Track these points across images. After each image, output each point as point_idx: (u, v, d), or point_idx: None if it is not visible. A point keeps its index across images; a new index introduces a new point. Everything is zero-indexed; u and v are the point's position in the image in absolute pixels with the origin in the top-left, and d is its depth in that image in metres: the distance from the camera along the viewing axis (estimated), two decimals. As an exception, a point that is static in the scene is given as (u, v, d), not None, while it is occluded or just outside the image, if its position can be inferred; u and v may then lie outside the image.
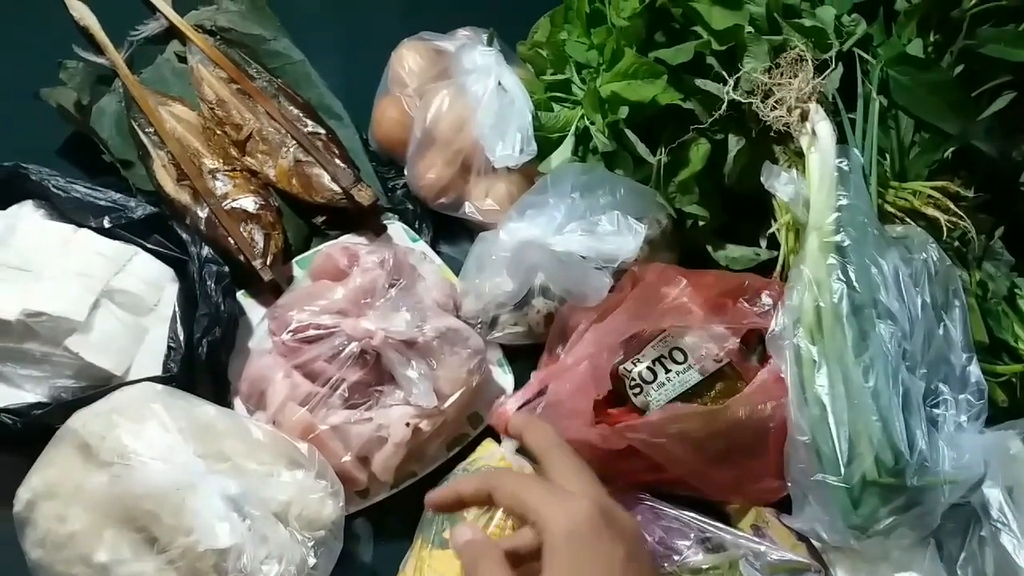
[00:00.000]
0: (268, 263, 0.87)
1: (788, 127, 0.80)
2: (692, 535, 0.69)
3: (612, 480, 0.76)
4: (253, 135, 0.97)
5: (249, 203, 0.91)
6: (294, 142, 0.95)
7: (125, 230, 0.85)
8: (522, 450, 0.74)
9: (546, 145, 0.90)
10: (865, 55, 0.83)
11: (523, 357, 0.87)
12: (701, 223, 0.87)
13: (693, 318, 0.77)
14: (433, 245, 0.94)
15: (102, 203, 0.85)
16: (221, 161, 0.94)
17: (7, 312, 0.76)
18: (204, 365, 0.80)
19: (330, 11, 1.15)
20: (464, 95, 0.92)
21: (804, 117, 0.79)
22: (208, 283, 0.82)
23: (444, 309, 0.83)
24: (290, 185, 0.94)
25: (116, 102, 1.00)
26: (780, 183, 0.78)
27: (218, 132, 0.97)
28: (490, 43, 0.97)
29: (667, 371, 0.76)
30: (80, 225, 0.84)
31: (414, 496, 0.77)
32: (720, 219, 0.89)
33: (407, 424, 0.75)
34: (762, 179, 0.79)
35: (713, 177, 0.86)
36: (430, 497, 0.58)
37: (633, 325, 0.76)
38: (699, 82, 0.83)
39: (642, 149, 0.86)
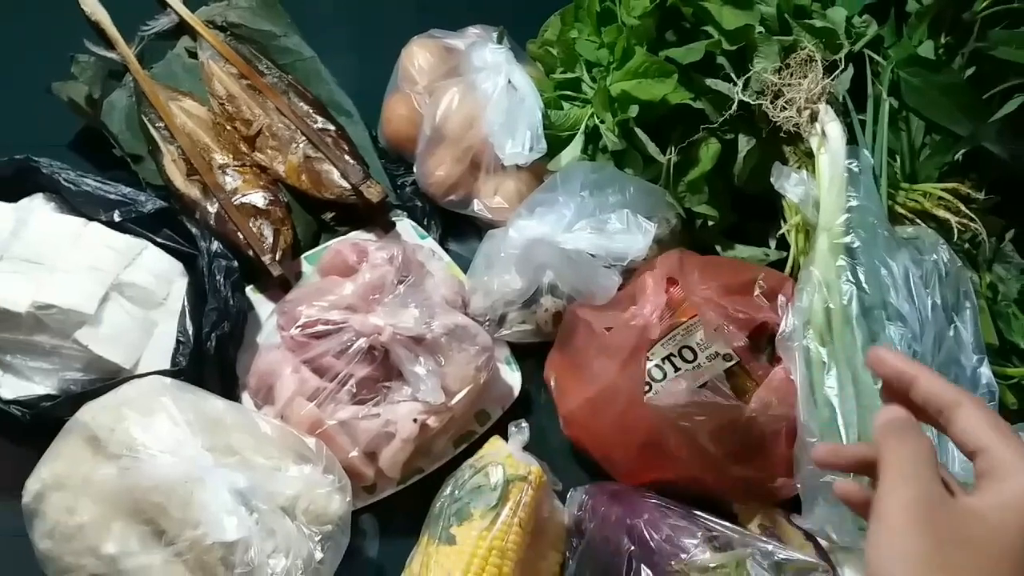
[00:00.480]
0: (277, 258, 0.87)
1: (798, 128, 0.80)
2: (699, 534, 0.69)
3: (633, 475, 0.77)
4: (263, 131, 0.97)
5: (259, 198, 0.91)
6: (304, 138, 0.96)
7: (135, 224, 0.85)
8: (529, 448, 0.75)
9: (556, 143, 0.90)
10: (876, 56, 0.83)
11: (531, 355, 0.87)
12: (710, 223, 0.87)
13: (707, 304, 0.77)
14: (442, 242, 0.94)
15: (112, 197, 0.85)
16: (231, 156, 0.94)
17: (17, 304, 0.76)
18: (213, 359, 0.80)
19: (341, 8, 1.15)
20: (474, 93, 0.92)
21: (814, 118, 0.79)
22: (217, 278, 0.82)
23: (452, 306, 0.83)
24: (299, 181, 0.94)
25: (127, 97, 1.00)
26: (790, 184, 0.78)
27: (228, 127, 0.98)
28: (500, 41, 0.97)
29: (676, 370, 0.76)
30: (90, 219, 0.84)
31: (421, 492, 0.77)
32: (729, 219, 0.89)
33: (414, 420, 0.76)
34: (772, 180, 0.79)
35: (723, 177, 0.86)
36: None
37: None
38: (709, 82, 0.83)
39: (652, 148, 0.86)
